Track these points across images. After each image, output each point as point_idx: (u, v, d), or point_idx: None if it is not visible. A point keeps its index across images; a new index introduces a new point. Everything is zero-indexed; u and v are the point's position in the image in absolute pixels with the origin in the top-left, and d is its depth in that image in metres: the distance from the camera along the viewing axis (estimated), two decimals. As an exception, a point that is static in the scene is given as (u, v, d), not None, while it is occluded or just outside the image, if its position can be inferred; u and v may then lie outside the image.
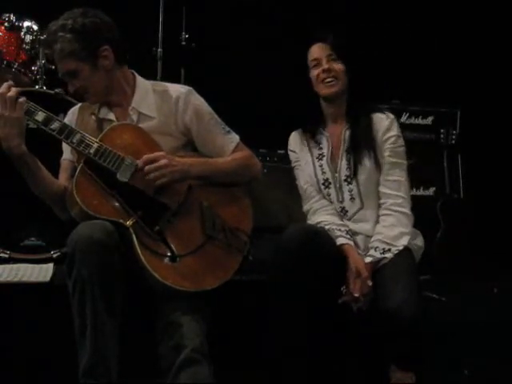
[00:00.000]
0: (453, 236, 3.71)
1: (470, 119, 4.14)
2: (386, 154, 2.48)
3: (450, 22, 4.35)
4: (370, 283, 2.34)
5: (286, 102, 4.26)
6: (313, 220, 2.52)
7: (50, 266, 2.87)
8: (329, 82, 2.49)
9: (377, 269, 2.38)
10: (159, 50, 3.90)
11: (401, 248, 2.39)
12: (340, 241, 2.42)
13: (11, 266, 2.87)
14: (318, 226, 2.47)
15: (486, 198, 4.10)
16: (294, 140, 2.66)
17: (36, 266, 2.88)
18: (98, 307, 2.06)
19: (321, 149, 2.57)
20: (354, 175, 2.48)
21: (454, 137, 3.96)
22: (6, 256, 2.99)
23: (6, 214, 3.01)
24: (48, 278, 2.69)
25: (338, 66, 2.49)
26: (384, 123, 2.51)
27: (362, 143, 2.49)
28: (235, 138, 2.45)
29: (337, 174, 2.52)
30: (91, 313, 2.06)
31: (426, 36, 4.33)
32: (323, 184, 2.54)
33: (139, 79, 2.45)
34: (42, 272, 2.78)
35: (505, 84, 4.34)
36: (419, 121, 3.98)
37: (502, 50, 4.37)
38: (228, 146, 2.42)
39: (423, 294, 2.58)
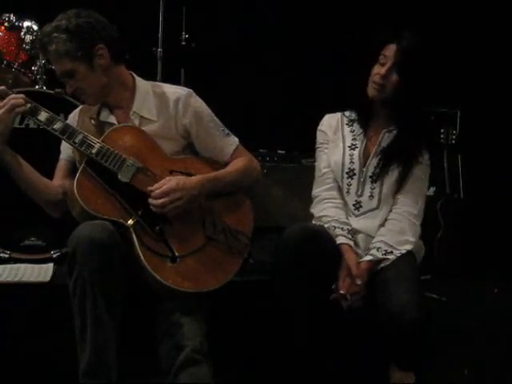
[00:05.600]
0: (453, 236, 3.71)
1: (470, 119, 4.14)
2: (417, 166, 2.49)
3: (450, 22, 4.35)
4: (359, 282, 2.33)
5: (286, 103, 4.30)
6: (317, 210, 2.50)
7: (50, 266, 2.87)
8: (376, 86, 2.45)
9: (378, 270, 2.38)
10: (159, 49, 3.90)
11: (403, 252, 2.38)
12: (339, 240, 2.41)
13: (11, 266, 2.87)
14: (319, 222, 2.46)
15: (486, 198, 4.10)
16: (329, 122, 2.61)
17: (36, 266, 2.88)
18: (99, 307, 2.06)
19: (355, 139, 2.55)
20: (380, 176, 2.48)
21: (454, 137, 3.96)
22: (6, 256, 2.99)
23: (5, 213, 3.01)
24: (48, 278, 2.69)
25: (394, 77, 2.44)
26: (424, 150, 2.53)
27: (398, 153, 2.48)
28: (234, 140, 2.44)
29: (364, 169, 2.50)
30: (91, 313, 2.06)
31: (426, 36, 4.32)
32: (347, 173, 2.52)
33: (138, 81, 2.43)
34: (41, 272, 2.78)
35: (505, 84, 4.34)
36: (419, 121, 3.97)
37: (501, 51, 4.37)
38: (228, 149, 2.42)
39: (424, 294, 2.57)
